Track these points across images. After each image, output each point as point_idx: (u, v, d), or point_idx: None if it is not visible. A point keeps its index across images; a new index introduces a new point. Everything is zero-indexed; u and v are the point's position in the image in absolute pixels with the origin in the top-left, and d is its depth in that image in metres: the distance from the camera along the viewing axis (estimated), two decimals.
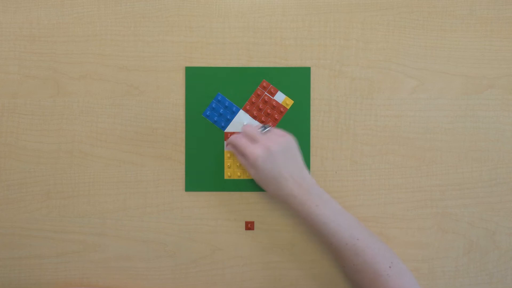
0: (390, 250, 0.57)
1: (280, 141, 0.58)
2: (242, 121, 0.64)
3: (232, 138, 0.61)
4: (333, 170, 0.64)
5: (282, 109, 0.64)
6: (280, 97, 0.64)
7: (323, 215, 0.56)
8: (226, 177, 0.64)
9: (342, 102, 0.64)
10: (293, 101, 0.64)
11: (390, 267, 0.55)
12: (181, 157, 0.64)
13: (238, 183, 0.64)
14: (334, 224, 0.56)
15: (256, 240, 0.64)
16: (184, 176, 0.64)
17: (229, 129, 0.64)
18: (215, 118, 0.64)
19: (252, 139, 0.59)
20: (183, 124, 0.64)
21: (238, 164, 0.64)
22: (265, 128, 0.60)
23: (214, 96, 0.64)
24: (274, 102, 0.64)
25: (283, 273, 0.64)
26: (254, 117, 0.64)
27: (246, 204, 0.64)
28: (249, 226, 0.64)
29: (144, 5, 0.64)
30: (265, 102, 0.64)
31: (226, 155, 0.64)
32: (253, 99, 0.64)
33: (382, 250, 0.57)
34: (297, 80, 0.64)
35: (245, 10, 0.64)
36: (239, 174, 0.64)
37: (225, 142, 0.63)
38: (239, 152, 0.61)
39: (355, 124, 0.64)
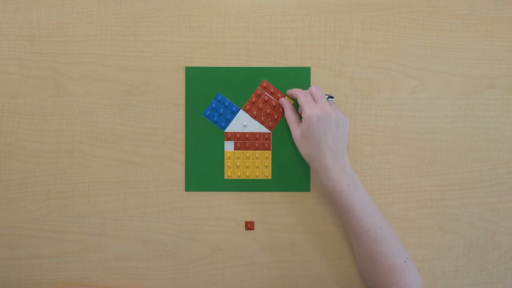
0: (404, 247, 0.58)
1: (339, 113, 0.58)
2: (242, 121, 0.64)
3: (296, 90, 0.61)
4: None
5: (282, 109, 0.64)
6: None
7: (351, 197, 0.56)
8: (226, 177, 0.64)
9: (342, 102, 0.64)
10: (293, 101, 0.63)
11: (405, 262, 0.56)
12: (181, 157, 0.64)
13: (238, 183, 0.64)
14: (360, 207, 0.56)
15: (256, 240, 0.64)
16: (184, 176, 0.64)
17: (229, 129, 0.64)
18: (215, 118, 0.64)
19: (315, 99, 0.59)
20: (183, 124, 0.64)
21: (238, 164, 0.64)
22: (330, 98, 0.60)
23: (214, 96, 0.64)
24: (274, 102, 0.64)
25: (283, 273, 0.64)
26: (254, 117, 0.64)
27: (246, 204, 0.64)
28: (249, 226, 0.64)
29: (144, 5, 0.64)
30: (265, 102, 0.64)
31: (226, 155, 0.64)
32: (253, 99, 0.64)
33: (399, 244, 0.57)
34: (297, 80, 0.64)
35: (245, 10, 0.64)
36: (239, 174, 0.64)
37: (287, 91, 0.63)
38: (292, 107, 0.62)
39: (355, 124, 0.64)
